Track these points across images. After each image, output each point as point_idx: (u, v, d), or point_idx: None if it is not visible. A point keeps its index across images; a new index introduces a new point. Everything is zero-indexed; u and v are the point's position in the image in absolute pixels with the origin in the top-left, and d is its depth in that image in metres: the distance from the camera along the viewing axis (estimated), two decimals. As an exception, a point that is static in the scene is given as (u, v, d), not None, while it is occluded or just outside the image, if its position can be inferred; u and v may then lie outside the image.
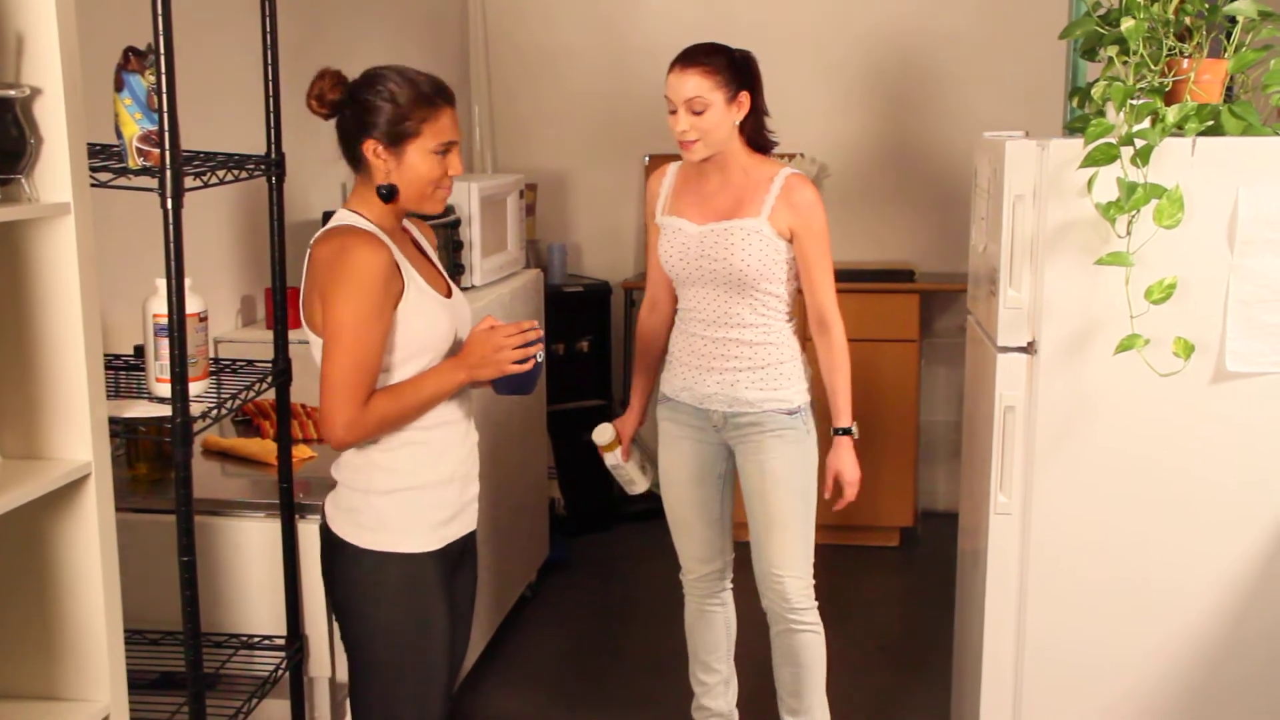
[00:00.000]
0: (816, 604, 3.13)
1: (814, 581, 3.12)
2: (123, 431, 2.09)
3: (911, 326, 4.96)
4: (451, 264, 3.85)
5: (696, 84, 2.89)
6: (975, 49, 5.21)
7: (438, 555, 2.35)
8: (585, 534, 5.22)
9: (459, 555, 2.43)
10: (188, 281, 2.15)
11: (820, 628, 3.14)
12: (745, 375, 3.01)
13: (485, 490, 3.90)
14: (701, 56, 2.93)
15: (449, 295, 2.39)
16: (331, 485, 2.38)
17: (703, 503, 3.18)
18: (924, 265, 5.27)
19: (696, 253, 2.97)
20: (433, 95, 2.26)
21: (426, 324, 2.28)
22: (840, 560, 4.71)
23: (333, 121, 2.28)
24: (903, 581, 4.86)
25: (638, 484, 3.39)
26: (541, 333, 2.36)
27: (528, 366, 2.32)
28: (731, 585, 3.29)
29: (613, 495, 5.43)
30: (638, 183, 5.54)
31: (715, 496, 3.18)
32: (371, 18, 4.51)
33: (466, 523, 2.44)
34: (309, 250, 2.26)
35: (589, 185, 5.63)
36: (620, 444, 3.29)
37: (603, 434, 3.29)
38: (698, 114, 2.89)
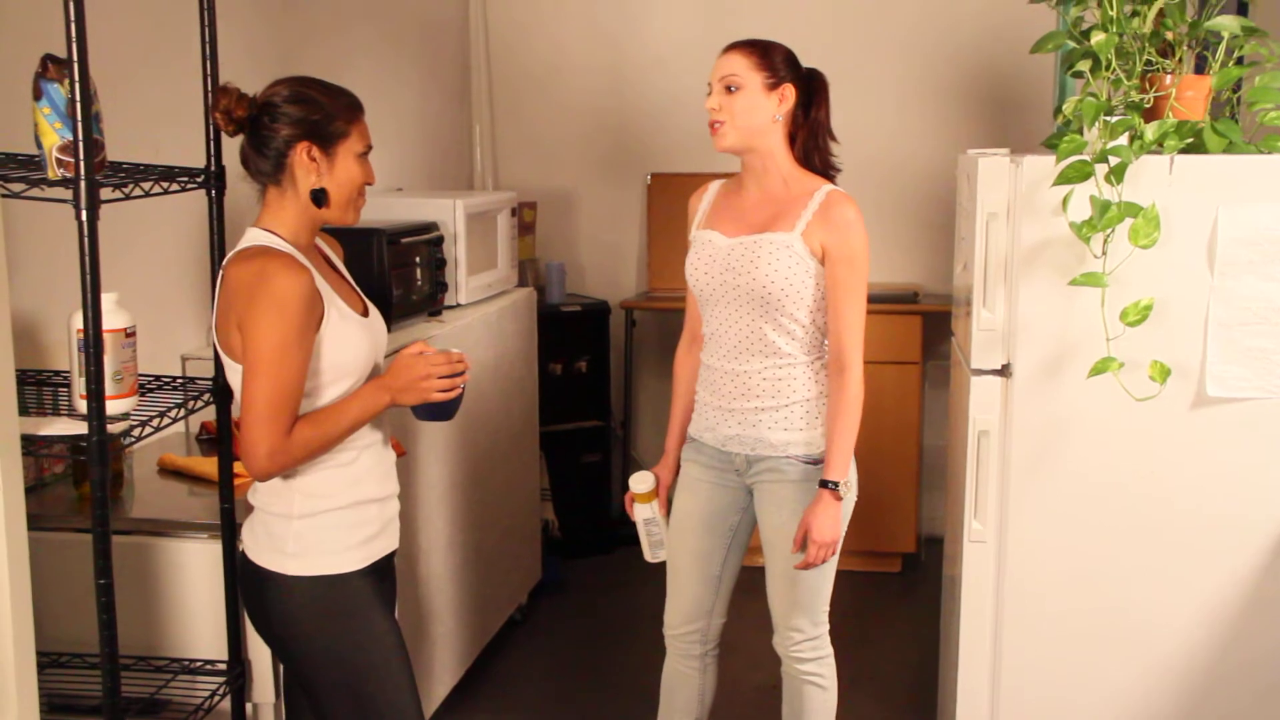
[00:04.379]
0: (829, 655, 2.91)
1: (826, 631, 2.90)
2: (31, 450, 2.03)
3: (914, 349, 4.87)
4: (433, 282, 3.80)
5: (734, 62, 2.73)
6: (984, 64, 5.12)
7: (367, 573, 2.32)
8: (581, 557, 5.15)
9: (382, 574, 2.38)
10: (114, 296, 2.11)
11: (827, 681, 2.92)
12: (768, 415, 2.79)
13: (467, 512, 3.88)
14: (748, 40, 2.77)
15: (365, 313, 2.36)
16: (248, 512, 2.33)
17: (704, 555, 2.95)
18: (928, 286, 5.18)
19: (722, 266, 2.78)
20: (353, 99, 2.30)
21: (348, 348, 2.25)
22: (841, 587, 4.57)
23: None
24: (903, 609, 4.76)
25: (665, 548, 3.03)
26: (469, 365, 2.35)
27: (453, 395, 2.31)
28: (716, 652, 3.05)
29: (610, 517, 5.38)
30: (640, 202, 5.49)
31: (719, 551, 2.95)
32: (366, 32, 4.48)
33: (389, 541, 2.40)
34: (222, 271, 2.22)
35: (591, 204, 5.58)
36: (658, 495, 3.01)
37: (643, 481, 2.99)
38: (731, 93, 2.72)
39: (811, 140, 2.82)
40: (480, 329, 3.99)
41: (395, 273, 3.55)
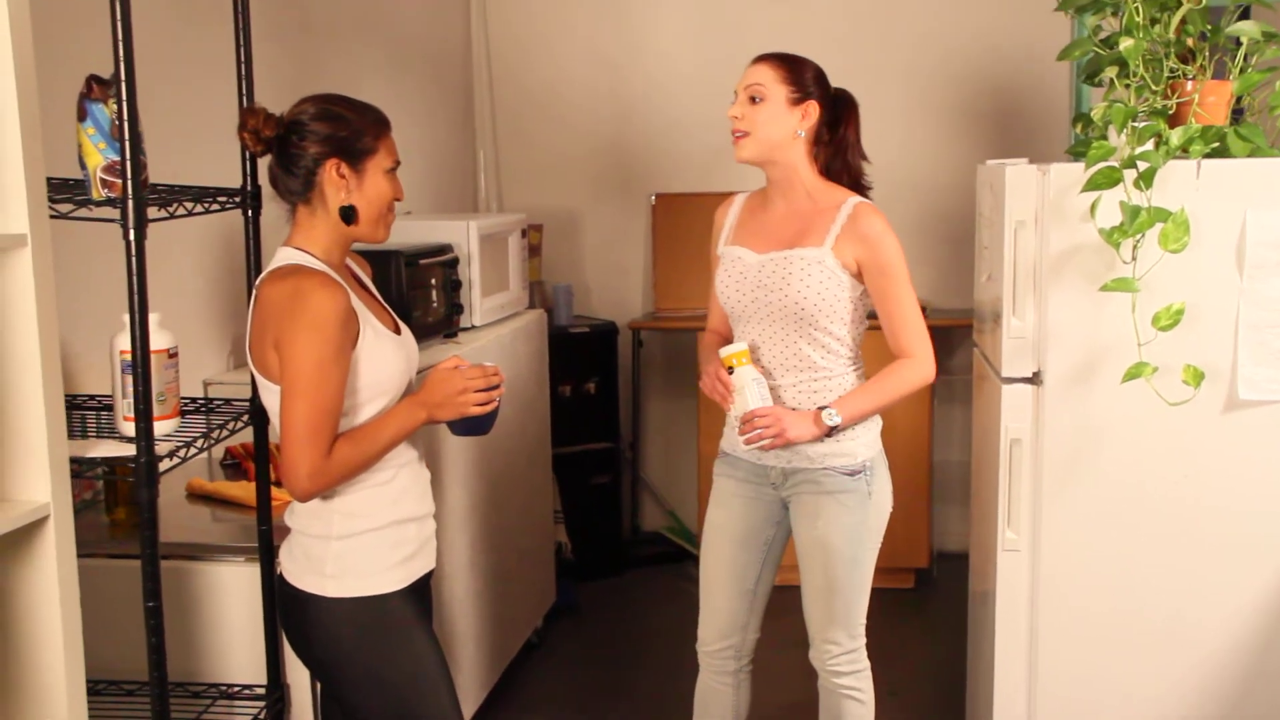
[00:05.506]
0: (866, 668, 2.91)
1: (863, 644, 2.90)
2: (82, 472, 2.01)
3: (923, 363, 4.86)
4: (449, 304, 3.79)
5: (762, 73, 2.73)
6: (987, 77, 5.15)
7: (406, 593, 2.30)
8: (594, 579, 5.12)
9: (421, 594, 2.37)
10: (156, 317, 2.09)
11: (865, 695, 2.91)
12: None
13: (486, 534, 3.86)
14: (779, 53, 2.77)
15: (397, 331, 2.35)
16: (285, 533, 2.33)
17: (740, 569, 2.92)
18: (935, 301, 5.19)
19: (754, 283, 2.77)
20: (380, 115, 2.30)
21: (384, 366, 2.25)
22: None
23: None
24: (917, 624, 4.74)
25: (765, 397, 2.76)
26: (504, 377, 2.35)
27: (490, 409, 2.31)
28: (750, 668, 3.02)
29: (621, 540, 5.36)
30: (645, 223, 5.49)
31: (754, 565, 2.93)
32: (374, 58, 4.48)
33: (427, 560, 2.39)
34: (255, 291, 2.22)
35: (596, 226, 5.58)
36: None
37: (734, 345, 2.75)
38: (755, 104, 2.72)
39: (838, 159, 2.81)
40: (495, 351, 3.98)
41: (413, 294, 3.53)
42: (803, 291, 2.71)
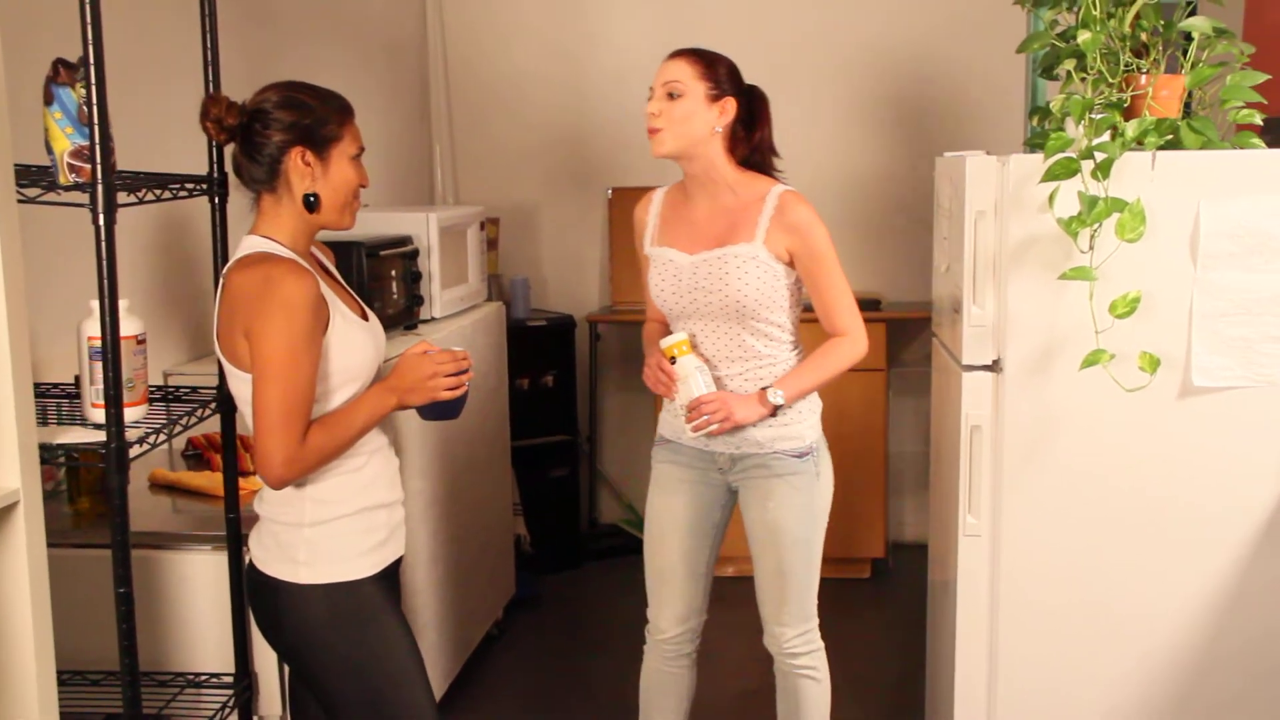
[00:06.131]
0: (820, 648, 2.95)
1: (816, 624, 2.94)
2: (50, 458, 2.00)
3: (878, 356, 4.91)
4: (409, 295, 3.79)
5: (679, 69, 2.74)
6: (937, 73, 5.21)
7: (377, 579, 2.31)
8: (553, 571, 5.14)
9: (391, 580, 2.37)
10: (125, 302, 2.09)
11: (821, 674, 2.96)
12: None
13: (447, 526, 3.86)
14: (694, 49, 2.78)
15: (365, 318, 2.36)
16: (253, 521, 2.32)
17: (691, 554, 2.95)
18: (890, 294, 5.24)
19: (689, 285, 2.79)
20: (343, 102, 2.31)
21: (354, 351, 2.25)
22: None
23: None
24: (874, 613, 4.79)
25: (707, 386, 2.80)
26: (472, 361, 2.36)
27: (459, 393, 2.32)
28: (698, 649, 3.05)
29: (580, 532, 5.38)
30: (601, 216, 5.50)
31: (705, 548, 2.96)
32: (329, 51, 4.47)
33: (397, 547, 2.39)
34: (223, 279, 2.21)
35: (552, 219, 5.59)
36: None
37: (673, 337, 2.79)
38: (672, 100, 2.72)
39: (754, 155, 2.83)
40: (455, 342, 3.97)
41: (373, 286, 3.53)
42: (741, 289, 2.74)
